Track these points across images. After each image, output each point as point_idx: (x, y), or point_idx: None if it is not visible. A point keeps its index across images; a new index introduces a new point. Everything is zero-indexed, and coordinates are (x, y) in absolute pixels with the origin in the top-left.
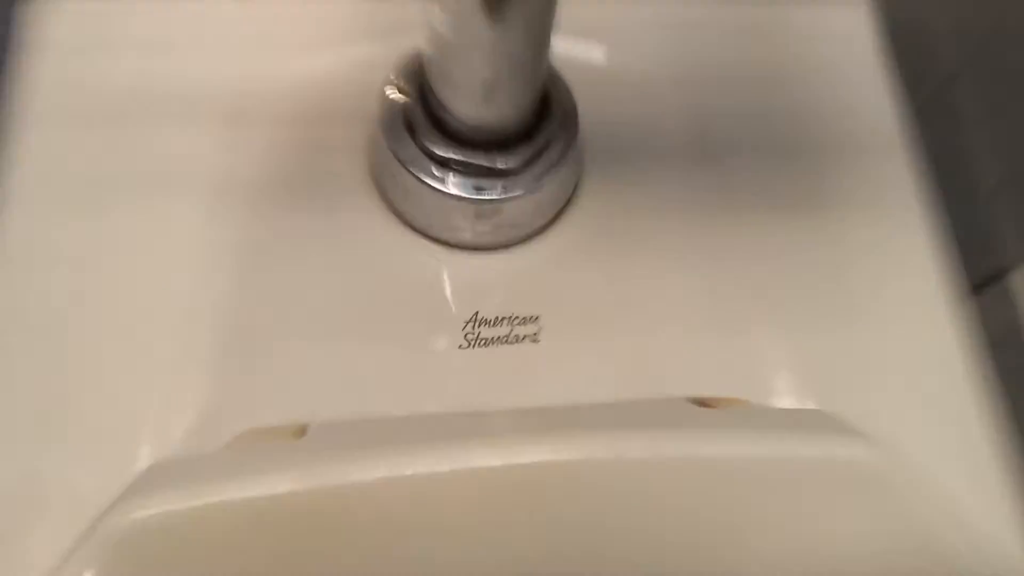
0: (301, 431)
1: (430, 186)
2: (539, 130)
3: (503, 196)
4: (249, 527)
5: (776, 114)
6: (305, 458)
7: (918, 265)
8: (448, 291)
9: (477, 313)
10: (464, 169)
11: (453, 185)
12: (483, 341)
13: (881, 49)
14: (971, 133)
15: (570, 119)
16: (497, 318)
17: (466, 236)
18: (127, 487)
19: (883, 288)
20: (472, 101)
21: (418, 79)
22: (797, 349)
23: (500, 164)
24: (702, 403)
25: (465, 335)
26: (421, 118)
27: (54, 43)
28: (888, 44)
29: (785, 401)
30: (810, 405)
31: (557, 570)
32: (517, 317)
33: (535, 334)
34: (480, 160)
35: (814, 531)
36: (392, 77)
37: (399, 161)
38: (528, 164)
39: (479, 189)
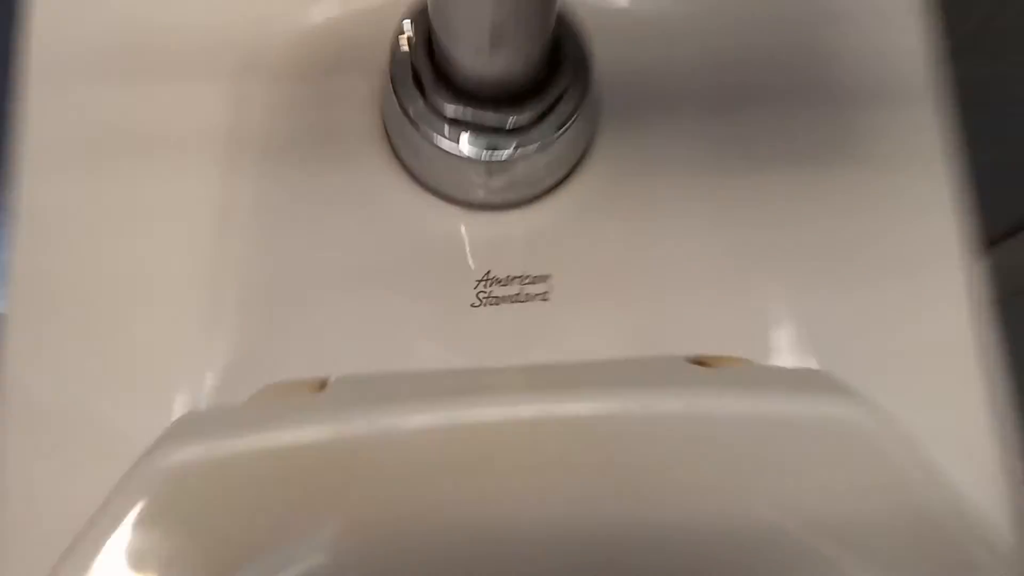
0: (321, 385)
1: (439, 147)
2: (551, 82)
3: (515, 155)
4: (279, 476)
5: (801, 58)
6: (331, 408)
7: (935, 223)
8: (461, 250)
9: (489, 272)
10: (475, 127)
11: (464, 144)
12: (495, 300)
13: None
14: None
15: (584, 68)
16: (508, 277)
17: (479, 195)
18: (160, 436)
19: (897, 246)
20: (478, 52)
21: (426, 28)
22: (806, 307)
23: (511, 121)
24: (700, 362)
25: (477, 294)
26: (428, 72)
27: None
28: None
29: (789, 360)
30: (814, 364)
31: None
32: (528, 276)
33: (545, 293)
34: (490, 117)
35: (804, 486)
36: (402, 25)
37: (408, 119)
38: (540, 119)
39: (491, 148)
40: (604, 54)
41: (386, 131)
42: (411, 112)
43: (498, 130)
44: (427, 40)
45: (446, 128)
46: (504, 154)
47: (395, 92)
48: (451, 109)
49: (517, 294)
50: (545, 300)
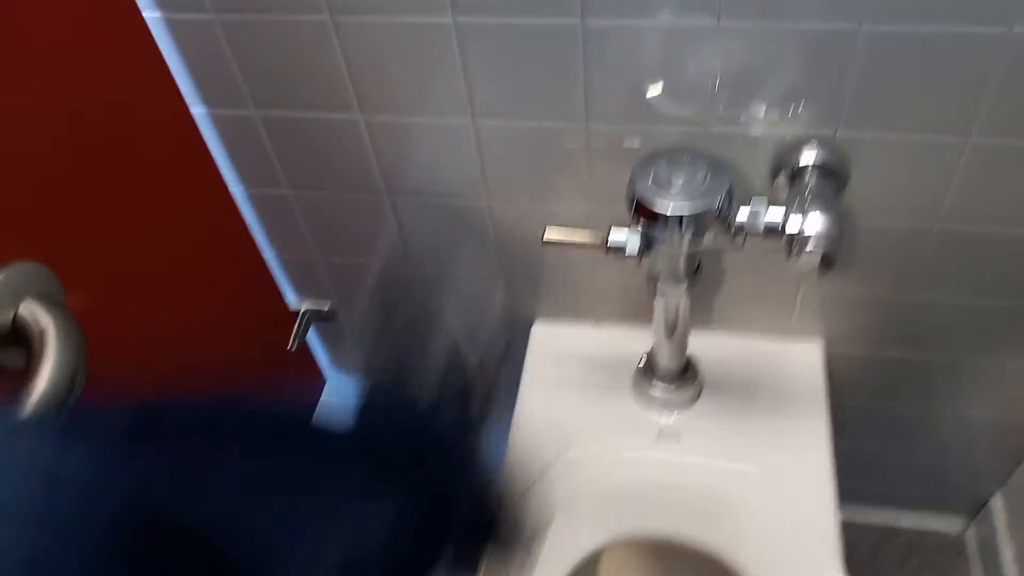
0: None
1: (650, 395)
2: (686, 376)
3: (674, 397)
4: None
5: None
6: None
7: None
8: (655, 415)
9: (661, 428)
10: (662, 392)
11: (659, 394)
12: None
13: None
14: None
15: (697, 372)
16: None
17: (664, 405)
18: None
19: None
20: (663, 372)
21: (649, 358)
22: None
23: (673, 390)
24: None
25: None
26: (644, 374)
27: (540, 352)
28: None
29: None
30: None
31: None
32: (673, 426)
33: (678, 431)
34: (665, 387)
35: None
36: (641, 356)
37: (641, 389)
38: (683, 387)
39: (668, 399)
40: (704, 364)
41: (634, 387)
42: (641, 385)
43: (669, 396)
44: (648, 360)
45: (653, 389)
46: (672, 397)
47: (638, 377)
48: (653, 384)
49: (673, 427)
50: (678, 437)
